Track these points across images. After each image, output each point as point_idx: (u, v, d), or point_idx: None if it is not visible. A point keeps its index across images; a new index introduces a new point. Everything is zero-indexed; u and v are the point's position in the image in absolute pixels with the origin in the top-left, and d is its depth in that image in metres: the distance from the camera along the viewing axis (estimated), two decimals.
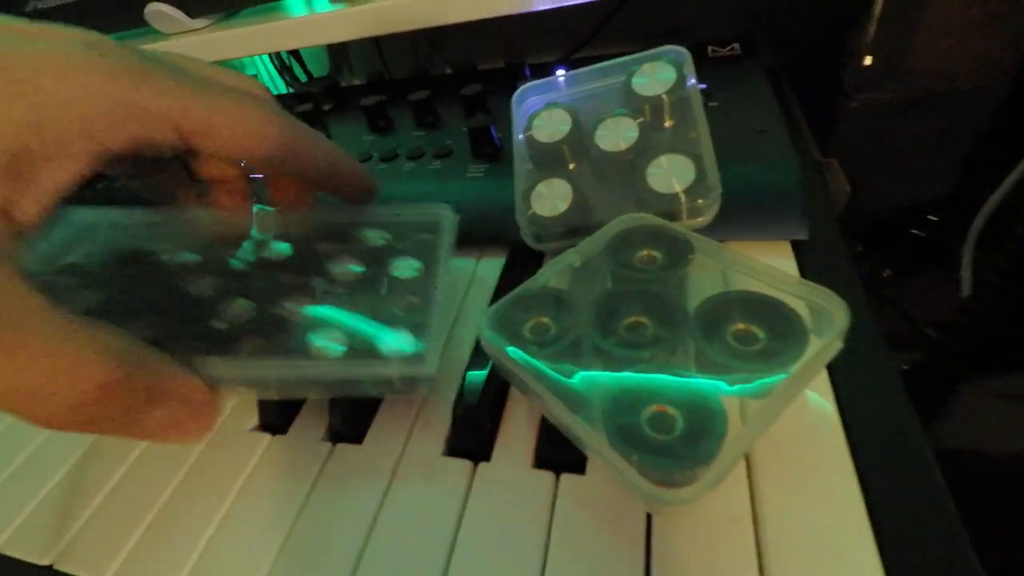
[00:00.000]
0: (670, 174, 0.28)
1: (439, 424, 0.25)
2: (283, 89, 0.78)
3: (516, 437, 0.24)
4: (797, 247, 0.29)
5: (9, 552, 0.25)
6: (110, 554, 0.23)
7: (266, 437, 0.27)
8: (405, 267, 0.26)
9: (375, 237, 0.28)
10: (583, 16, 0.55)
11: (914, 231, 0.50)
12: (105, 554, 0.24)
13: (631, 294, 0.23)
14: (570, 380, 0.21)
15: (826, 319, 0.20)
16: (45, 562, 0.24)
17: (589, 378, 0.21)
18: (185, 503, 0.25)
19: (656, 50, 0.31)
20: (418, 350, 0.21)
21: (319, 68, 0.80)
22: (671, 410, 0.18)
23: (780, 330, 0.20)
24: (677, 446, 0.17)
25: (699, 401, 0.18)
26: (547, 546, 0.20)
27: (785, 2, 0.52)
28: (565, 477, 0.22)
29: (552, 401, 0.20)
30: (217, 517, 0.24)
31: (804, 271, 0.27)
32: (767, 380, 0.19)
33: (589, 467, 0.22)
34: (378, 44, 0.70)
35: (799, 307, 0.20)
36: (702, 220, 0.28)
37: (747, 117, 0.34)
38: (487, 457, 0.23)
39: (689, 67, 0.30)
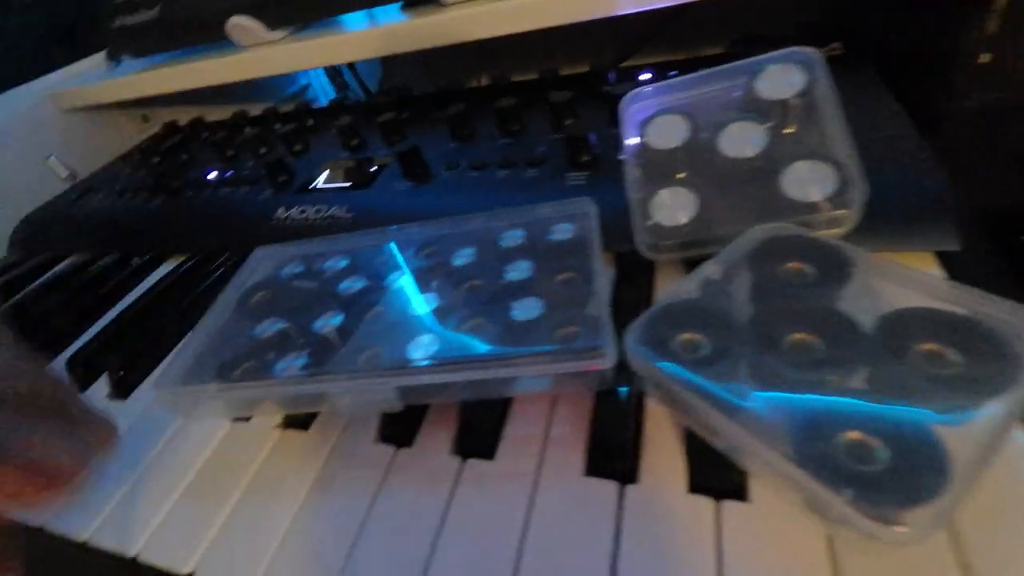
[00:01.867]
0: (808, 182, 0.26)
1: (575, 441, 0.24)
2: (332, 96, 0.79)
3: (662, 458, 0.23)
4: (943, 259, 0.27)
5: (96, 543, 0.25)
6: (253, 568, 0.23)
7: (390, 450, 0.26)
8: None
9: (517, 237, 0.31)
10: (624, 24, 0.54)
11: None
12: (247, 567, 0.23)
13: (792, 310, 0.22)
14: (744, 402, 0.19)
15: None
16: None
17: (769, 400, 0.19)
18: (315, 519, 0.25)
19: (780, 52, 0.30)
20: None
21: (371, 80, 0.81)
22: (872, 439, 0.17)
23: (980, 352, 0.18)
24: (890, 480, 0.16)
25: (908, 430, 0.17)
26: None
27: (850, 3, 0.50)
28: (728, 504, 0.21)
29: (727, 425, 0.18)
30: (351, 532, 0.23)
31: None
32: (979, 410, 0.17)
33: (754, 494, 0.21)
34: (425, 58, 0.71)
35: (999, 328, 0.19)
36: (839, 231, 0.26)
37: (872, 121, 0.32)
38: (632, 479, 0.22)
39: (822, 68, 0.29)
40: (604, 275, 0.26)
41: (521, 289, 0.27)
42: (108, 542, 0.26)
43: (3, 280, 0.50)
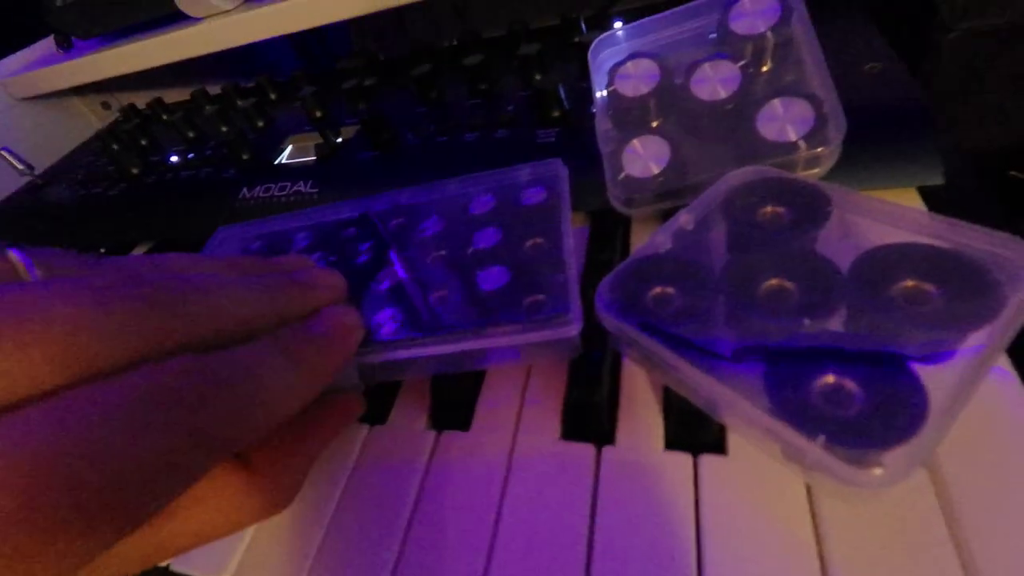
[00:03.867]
0: (784, 120, 0.25)
1: (550, 407, 0.24)
2: (302, 66, 0.76)
3: (638, 418, 0.22)
4: (927, 195, 0.26)
5: None
6: (224, 555, 0.23)
7: (364, 428, 0.26)
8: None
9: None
10: None
11: (1014, 173, 0.45)
12: (219, 554, 0.23)
13: (766, 256, 0.21)
14: (717, 354, 0.19)
15: (1011, 271, 0.17)
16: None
17: (744, 351, 0.18)
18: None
19: None
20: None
21: (341, 46, 0.77)
22: (847, 382, 0.16)
23: (960, 286, 0.18)
24: (865, 422, 0.15)
25: (883, 371, 0.16)
26: (699, 532, 0.18)
27: None
28: (706, 459, 0.20)
29: (701, 378, 0.18)
30: (328, 513, 0.23)
31: None
32: (959, 346, 0.16)
33: (732, 448, 0.20)
34: (400, 16, 0.67)
35: (980, 259, 0.18)
36: (819, 170, 0.25)
37: (851, 53, 0.30)
38: (610, 440, 0.22)
39: None
40: (572, 238, 0.25)
41: (489, 258, 0.26)
42: None
43: None
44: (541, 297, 0.23)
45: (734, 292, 0.20)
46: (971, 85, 0.42)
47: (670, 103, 0.28)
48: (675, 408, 0.21)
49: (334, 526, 0.22)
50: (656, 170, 0.27)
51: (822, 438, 0.15)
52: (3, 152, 0.50)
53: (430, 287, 0.26)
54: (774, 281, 0.20)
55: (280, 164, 0.44)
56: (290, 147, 0.45)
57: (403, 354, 0.22)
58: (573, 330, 0.20)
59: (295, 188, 0.40)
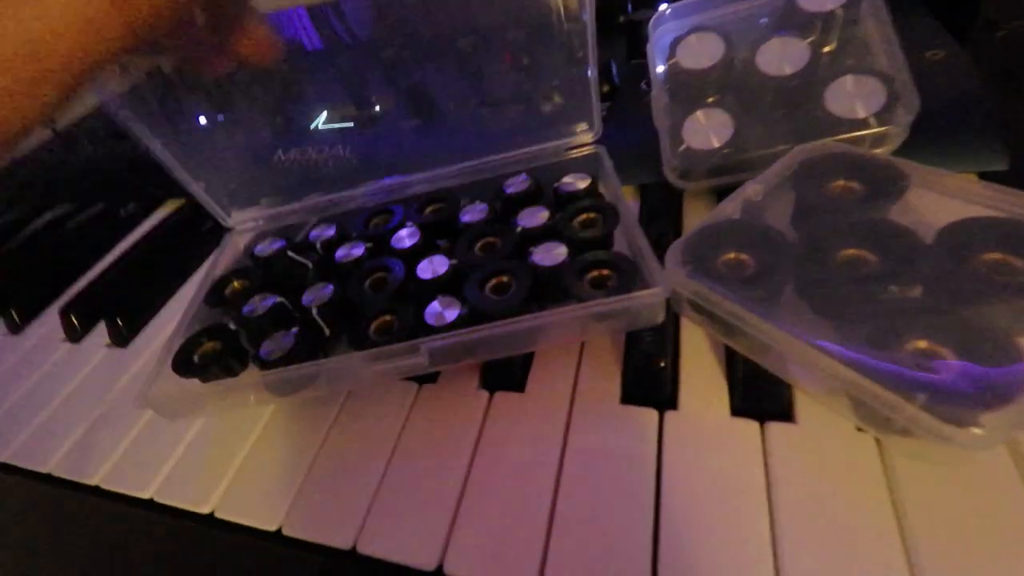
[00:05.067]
0: (855, 97, 0.25)
1: (608, 371, 0.23)
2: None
3: (701, 383, 0.22)
4: (988, 180, 0.26)
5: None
6: (275, 504, 0.22)
7: (413, 386, 0.25)
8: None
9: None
10: None
11: None
12: (270, 503, 0.23)
13: (841, 227, 0.20)
14: (797, 318, 0.18)
15: None
16: (205, 510, 0.23)
17: (824, 315, 0.18)
18: (348, 456, 0.24)
19: None
20: None
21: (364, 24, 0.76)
22: (939, 347, 0.16)
23: None
24: (960, 384, 0.15)
25: (977, 336, 0.16)
26: (770, 501, 0.18)
27: None
28: (774, 426, 0.20)
29: (785, 341, 0.17)
30: (380, 467, 0.23)
31: None
32: None
33: (800, 414, 0.20)
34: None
35: None
36: (886, 148, 0.25)
37: (915, 40, 0.30)
38: (673, 405, 0.22)
39: None
40: (630, 211, 0.25)
41: (542, 237, 0.25)
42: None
43: None
44: (606, 272, 0.23)
45: (810, 259, 0.20)
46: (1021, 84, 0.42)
47: (733, 77, 0.28)
48: (741, 374, 0.21)
49: (387, 481, 0.22)
50: (717, 143, 0.27)
51: (922, 397, 0.15)
52: None
53: (485, 272, 0.24)
54: (851, 251, 0.20)
55: (316, 129, 0.43)
56: (325, 113, 0.45)
57: (474, 337, 0.21)
58: (661, 294, 0.20)
59: (332, 152, 0.39)
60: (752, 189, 0.23)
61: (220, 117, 0.49)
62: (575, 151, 0.32)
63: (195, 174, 0.36)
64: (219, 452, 0.25)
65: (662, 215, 0.30)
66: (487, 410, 0.23)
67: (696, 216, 0.29)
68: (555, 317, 0.21)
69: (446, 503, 0.21)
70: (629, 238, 0.24)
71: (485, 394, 0.24)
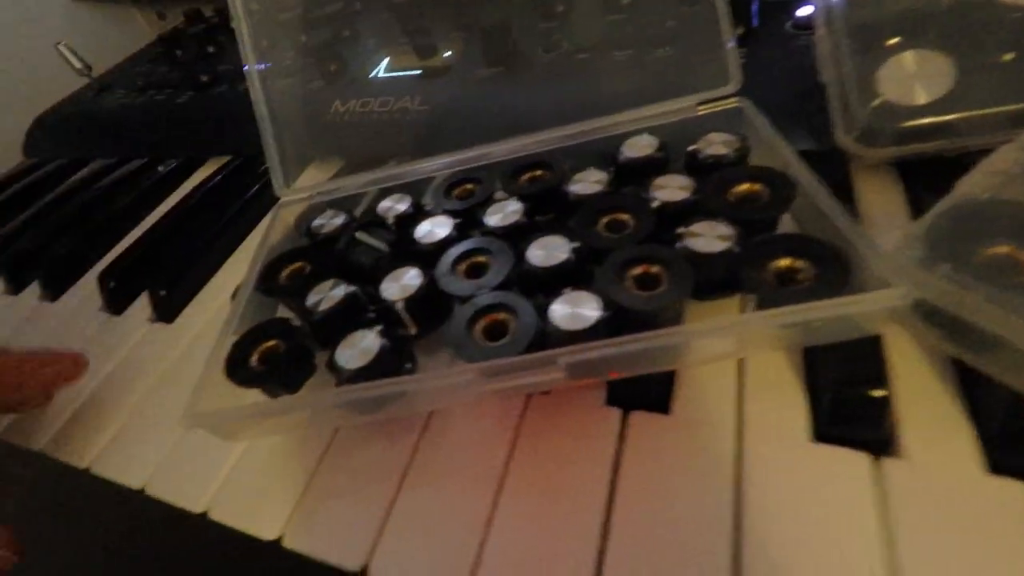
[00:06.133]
0: None
1: (785, 394, 0.18)
2: None
3: (931, 421, 0.16)
4: None
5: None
6: (358, 538, 0.18)
7: (518, 398, 0.20)
8: None
9: None
10: None
11: None
12: (350, 534, 0.18)
13: None
14: None
15: None
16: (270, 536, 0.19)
17: None
18: (446, 483, 0.19)
19: None
20: None
21: None
22: None
23: None
24: None
25: None
26: None
27: None
28: None
29: None
30: (486, 501, 0.18)
31: None
32: None
33: None
34: None
35: None
36: None
37: None
38: (887, 450, 0.16)
39: None
40: (814, 182, 0.19)
41: (687, 214, 0.20)
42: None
43: (19, 187, 0.44)
44: (801, 263, 0.17)
45: None
46: None
47: (953, 10, 0.21)
48: (999, 414, 0.15)
49: (496, 520, 0.17)
50: (926, 97, 0.20)
51: None
52: (62, 48, 0.45)
53: (620, 258, 0.19)
54: None
55: (377, 77, 0.37)
56: (387, 59, 0.39)
57: (623, 350, 0.15)
58: (905, 296, 0.14)
59: (399, 104, 0.34)
60: (1010, 157, 0.17)
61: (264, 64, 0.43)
62: (705, 107, 0.26)
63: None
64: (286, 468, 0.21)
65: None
66: (622, 433, 0.18)
67: (875, 195, 0.23)
68: (756, 325, 0.15)
69: (587, 537, 0.16)
70: (817, 218, 0.18)
71: (616, 413, 0.19)
